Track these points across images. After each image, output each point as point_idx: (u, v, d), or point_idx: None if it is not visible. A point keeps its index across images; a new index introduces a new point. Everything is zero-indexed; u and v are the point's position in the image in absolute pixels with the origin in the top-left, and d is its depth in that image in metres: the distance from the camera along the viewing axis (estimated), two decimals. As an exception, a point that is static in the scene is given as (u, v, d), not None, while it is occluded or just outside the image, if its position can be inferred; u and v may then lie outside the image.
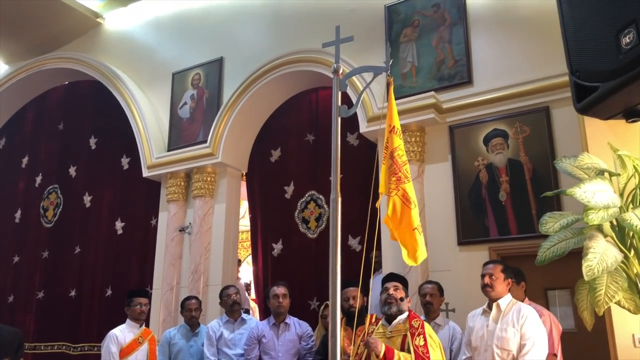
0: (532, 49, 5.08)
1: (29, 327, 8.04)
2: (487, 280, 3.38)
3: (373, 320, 3.48)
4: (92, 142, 8.26)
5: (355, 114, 5.62)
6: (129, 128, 7.38)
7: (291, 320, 4.46)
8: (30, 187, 8.79)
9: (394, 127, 2.96)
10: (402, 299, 3.35)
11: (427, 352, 3.00)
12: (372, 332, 3.27)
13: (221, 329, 4.54)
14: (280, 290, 4.42)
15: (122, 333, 4.11)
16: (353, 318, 3.67)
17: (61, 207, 8.35)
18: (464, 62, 5.37)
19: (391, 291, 3.38)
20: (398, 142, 2.94)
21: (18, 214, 8.81)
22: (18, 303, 8.31)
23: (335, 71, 2.95)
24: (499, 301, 3.35)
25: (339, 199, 2.74)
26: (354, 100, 5.66)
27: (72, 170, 8.36)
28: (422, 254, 2.81)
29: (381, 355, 2.97)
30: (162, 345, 4.51)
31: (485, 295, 3.44)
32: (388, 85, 3.05)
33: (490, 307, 3.41)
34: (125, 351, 3.98)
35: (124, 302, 7.01)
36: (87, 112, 8.45)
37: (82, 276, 7.77)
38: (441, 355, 3.12)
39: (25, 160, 9.03)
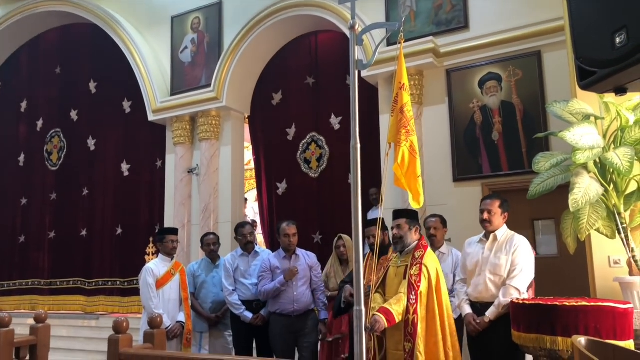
0: (526, -5, 5.31)
1: (44, 264, 8.49)
2: (485, 215, 3.66)
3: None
4: (92, 86, 8.38)
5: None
6: (129, 72, 7.51)
7: (300, 252, 4.72)
8: (32, 131, 8.96)
9: (403, 84, 3.25)
10: (404, 235, 3.56)
11: (419, 280, 3.34)
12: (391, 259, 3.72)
13: (237, 262, 4.92)
14: (290, 229, 4.62)
15: (157, 266, 4.51)
16: (374, 252, 4.06)
17: (65, 150, 8.57)
18: (461, 7, 5.59)
19: (395, 231, 3.63)
20: (407, 98, 3.25)
21: (22, 158, 9.02)
22: (30, 243, 8.70)
23: (352, 27, 3.15)
24: (496, 232, 3.65)
25: (358, 146, 3.02)
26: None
27: (74, 114, 8.52)
28: (422, 198, 3.20)
29: (386, 325, 3.19)
30: (187, 277, 4.92)
31: (484, 229, 3.75)
32: (398, 43, 3.29)
33: (487, 236, 3.71)
34: (160, 282, 4.40)
35: (135, 239, 7.54)
36: (84, 56, 8.51)
37: (91, 216, 8.15)
38: (430, 283, 3.39)
39: (24, 105, 9.13)
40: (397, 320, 3.24)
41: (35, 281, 8.56)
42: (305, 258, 4.74)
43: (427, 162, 5.57)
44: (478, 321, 3.49)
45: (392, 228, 3.69)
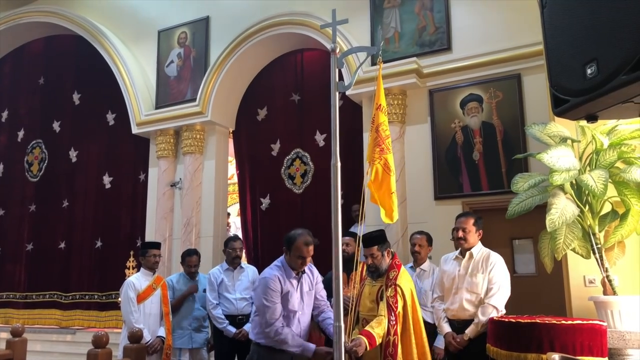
0: (507, 19, 5.47)
1: (20, 277, 8.33)
2: (460, 234, 3.72)
3: (365, 267, 3.93)
4: (76, 97, 8.33)
5: (342, 76, 5.95)
6: (113, 84, 7.50)
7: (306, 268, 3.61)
8: (12, 141, 8.85)
9: (380, 105, 3.35)
10: (379, 264, 3.53)
11: (396, 301, 3.40)
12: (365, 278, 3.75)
13: (222, 276, 4.94)
14: (309, 250, 3.47)
15: (138, 280, 4.48)
16: (345, 263, 4.09)
17: (46, 161, 8.48)
18: (444, 29, 5.73)
19: (369, 261, 3.62)
20: (383, 118, 3.35)
21: (0, 168, 8.90)
22: (7, 254, 8.54)
23: (333, 51, 3.23)
24: (471, 250, 3.71)
25: (339, 164, 3.08)
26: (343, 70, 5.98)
27: (56, 125, 8.45)
28: (396, 214, 3.27)
29: (368, 348, 3.20)
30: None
31: (460, 247, 3.80)
32: (377, 64, 3.38)
33: (463, 254, 3.77)
34: (141, 296, 4.37)
35: (115, 252, 7.46)
36: (68, 68, 8.47)
37: (71, 229, 8.04)
38: (406, 302, 3.44)
39: (5, 115, 9.03)
40: (378, 343, 3.29)
41: (10, 294, 8.38)
42: (310, 276, 3.64)
43: (409, 180, 5.66)
44: (458, 339, 3.57)
45: (366, 257, 3.65)
